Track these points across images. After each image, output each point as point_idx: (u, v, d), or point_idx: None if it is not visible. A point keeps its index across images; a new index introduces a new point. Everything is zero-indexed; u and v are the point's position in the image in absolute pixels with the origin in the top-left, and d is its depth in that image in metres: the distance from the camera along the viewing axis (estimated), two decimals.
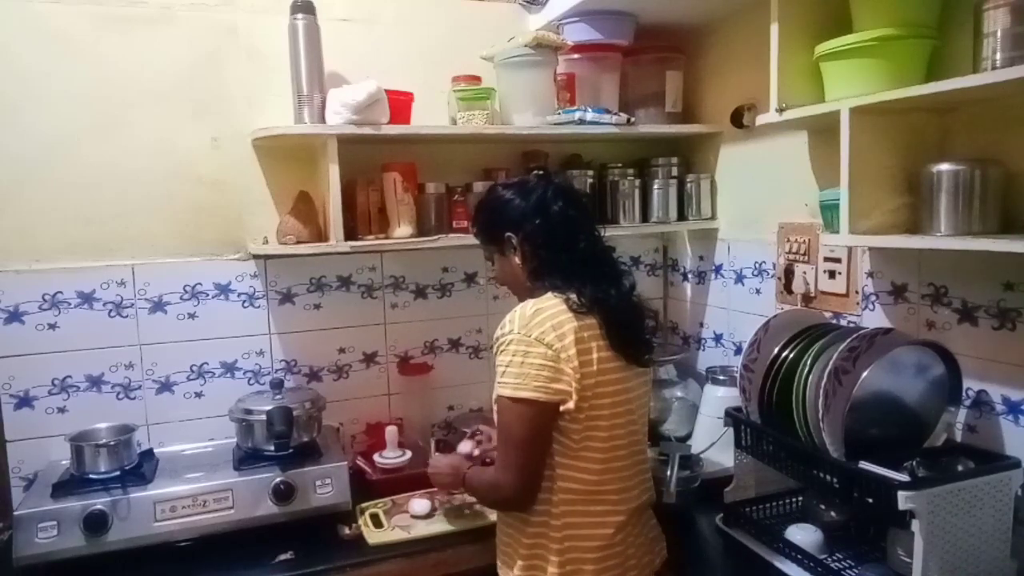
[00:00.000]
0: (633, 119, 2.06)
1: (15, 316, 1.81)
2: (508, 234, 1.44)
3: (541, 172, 1.54)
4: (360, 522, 1.73)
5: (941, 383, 1.44)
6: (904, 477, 1.26)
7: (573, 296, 1.35)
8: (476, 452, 1.65)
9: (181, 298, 1.94)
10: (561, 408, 1.30)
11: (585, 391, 1.31)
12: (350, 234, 1.82)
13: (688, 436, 2.05)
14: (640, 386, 1.43)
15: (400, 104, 1.88)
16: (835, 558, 1.46)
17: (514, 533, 1.40)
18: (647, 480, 1.47)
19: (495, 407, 1.38)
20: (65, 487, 1.62)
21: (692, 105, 2.25)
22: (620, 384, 1.37)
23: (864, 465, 1.31)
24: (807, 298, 1.87)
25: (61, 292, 1.84)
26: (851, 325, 1.69)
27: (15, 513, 1.54)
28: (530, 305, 1.35)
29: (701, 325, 2.33)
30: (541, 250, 1.41)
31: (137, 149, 1.87)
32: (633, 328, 1.42)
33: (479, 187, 1.99)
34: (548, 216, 1.41)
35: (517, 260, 1.45)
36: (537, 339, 1.30)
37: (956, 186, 1.33)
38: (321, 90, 1.82)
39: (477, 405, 2.25)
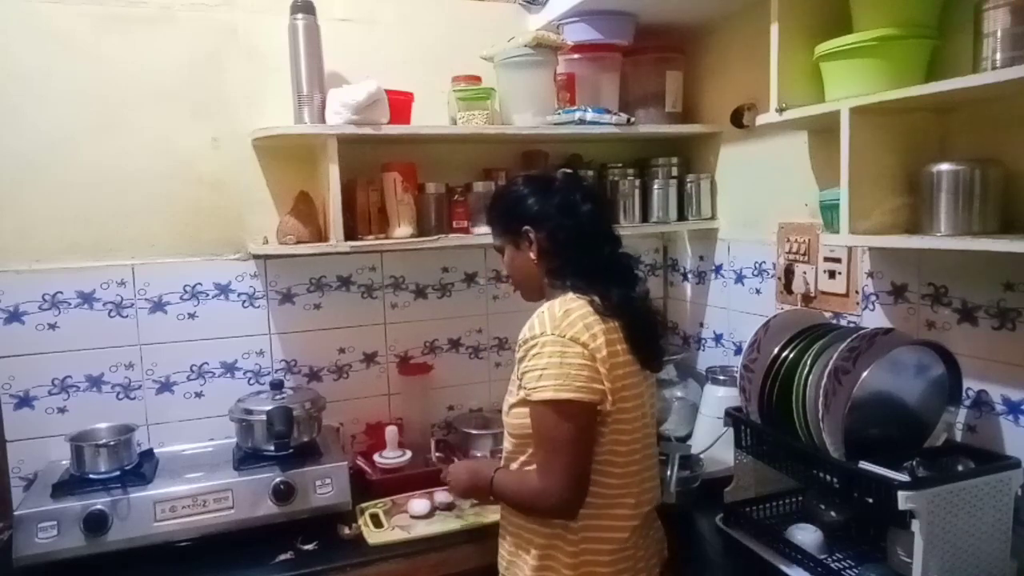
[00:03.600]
0: (633, 119, 2.06)
1: (15, 316, 1.81)
2: (526, 228, 1.41)
3: (569, 172, 1.53)
4: (360, 522, 1.73)
5: (941, 383, 1.44)
6: (904, 477, 1.26)
7: (596, 299, 1.34)
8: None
9: (181, 298, 1.94)
10: (598, 408, 1.28)
11: (614, 394, 1.30)
12: (350, 234, 1.82)
13: (688, 436, 2.05)
14: (648, 388, 1.43)
15: (400, 104, 1.88)
16: (835, 558, 1.46)
17: (523, 534, 1.38)
18: (658, 483, 1.46)
19: (511, 412, 1.36)
20: (65, 487, 1.62)
21: (692, 105, 2.25)
22: (637, 388, 1.36)
23: (864, 465, 1.31)
24: (807, 298, 1.87)
25: (61, 292, 1.84)
26: (851, 325, 1.69)
27: (15, 513, 1.54)
28: (557, 305, 1.33)
29: (701, 325, 2.33)
30: (567, 250, 1.39)
31: (137, 149, 1.87)
32: (652, 333, 1.41)
33: (479, 187, 2.00)
34: (578, 217, 1.39)
35: (532, 256, 1.42)
36: (572, 339, 1.27)
37: (956, 186, 1.33)
38: (321, 90, 1.82)
39: (477, 405, 2.25)
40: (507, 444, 1.42)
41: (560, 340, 1.27)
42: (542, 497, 1.30)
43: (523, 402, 1.32)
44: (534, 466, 1.33)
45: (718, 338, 2.26)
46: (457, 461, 1.61)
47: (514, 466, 1.40)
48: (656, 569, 1.43)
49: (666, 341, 1.49)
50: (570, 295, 1.35)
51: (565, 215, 1.39)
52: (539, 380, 1.27)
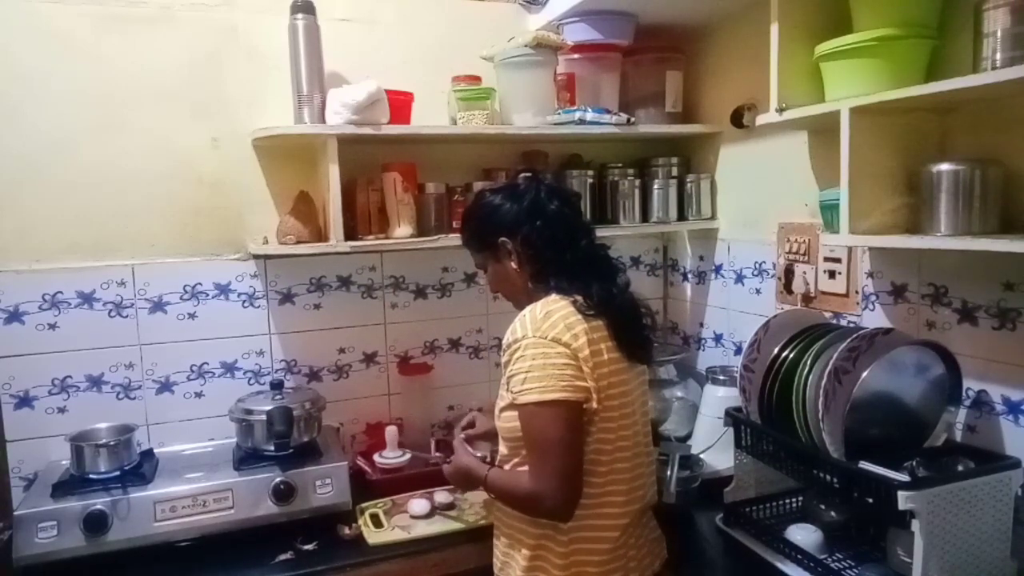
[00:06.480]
0: (633, 119, 2.06)
1: (15, 316, 1.81)
2: (502, 239, 1.43)
3: (529, 174, 1.53)
4: (360, 522, 1.73)
5: (941, 383, 1.44)
6: (904, 477, 1.27)
7: (579, 298, 1.34)
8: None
9: (181, 298, 1.94)
10: (584, 406, 1.28)
11: (599, 392, 1.30)
12: (350, 234, 1.82)
13: (688, 436, 2.05)
14: (639, 385, 1.42)
15: (400, 104, 1.88)
16: (835, 558, 1.47)
17: (515, 534, 1.39)
18: (652, 481, 1.46)
19: (501, 415, 1.36)
20: (65, 487, 1.62)
21: (692, 105, 2.25)
22: (624, 386, 1.36)
23: (864, 465, 1.31)
24: (807, 298, 1.87)
25: (61, 292, 1.84)
26: (851, 325, 1.69)
27: (15, 513, 1.55)
28: (538, 308, 1.33)
29: (701, 325, 2.33)
30: (544, 251, 1.40)
31: (137, 149, 1.87)
32: (636, 326, 1.42)
33: (479, 187, 1.99)
34: (546, 216, 1.41)
35: (514, 265, 1.44)
36: (554, 339, 1.28)
37: (956, 186, 1.33)
38: (321, 90, 1.82)
39: (477, 405, 2.24)
40: (502, 447, 1.42)
41: (542, 342, 1.28)
42: (535, 500, 1.30)
43: (512, 405, 1.32)
44: (526, 467, 1.32)
45: (718, 338, 2.26)
46: (453, 459, 1.57)
47: (507, 467, 1.40)
48: (651, 570, 1.43)
49: (652, 330, 1.48)
50: (553, 296, 1.36)
51: (536, 217, 1.41)
52: (524, 383, 1.27)
